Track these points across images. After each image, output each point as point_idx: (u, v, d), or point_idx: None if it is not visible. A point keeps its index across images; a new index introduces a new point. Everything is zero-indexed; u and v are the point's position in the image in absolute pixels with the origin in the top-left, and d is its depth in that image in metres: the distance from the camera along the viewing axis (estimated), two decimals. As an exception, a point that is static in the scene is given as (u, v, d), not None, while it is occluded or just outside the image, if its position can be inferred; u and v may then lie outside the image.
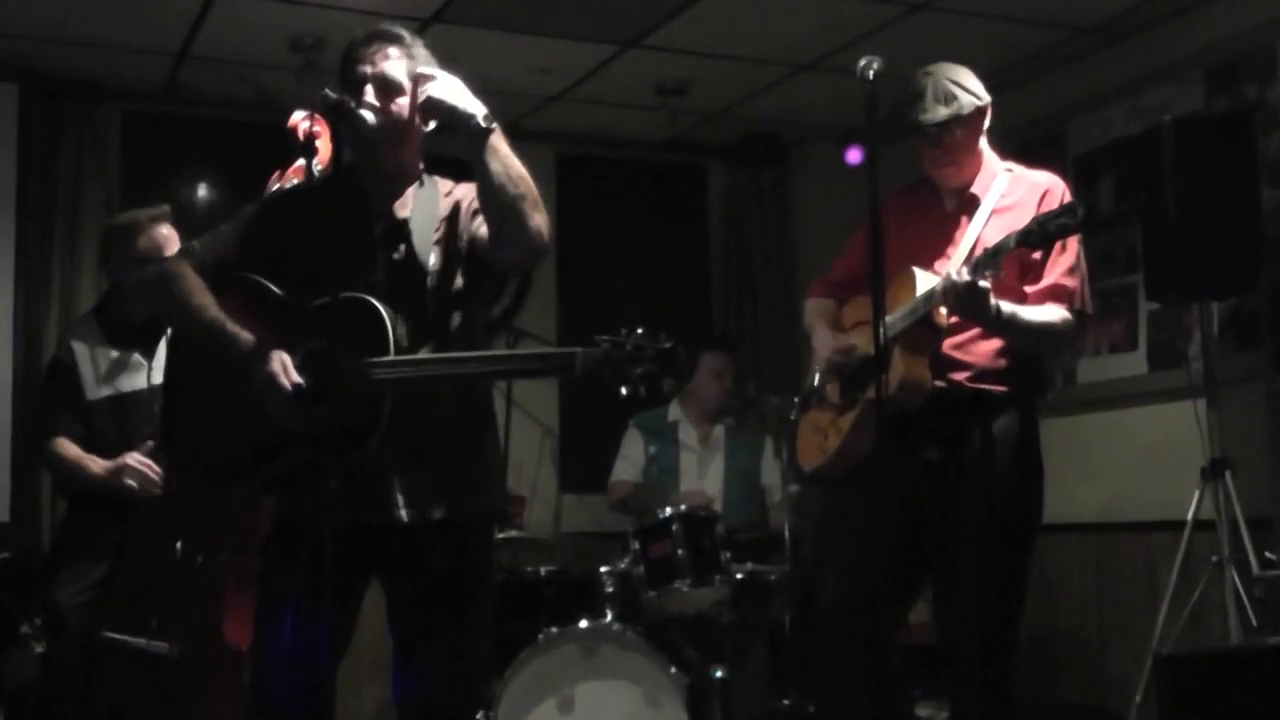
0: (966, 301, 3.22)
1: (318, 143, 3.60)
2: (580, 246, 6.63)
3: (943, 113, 3.38)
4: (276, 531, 2.91)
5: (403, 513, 2.80)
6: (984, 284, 3.20)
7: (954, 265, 3.32)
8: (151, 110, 5.95)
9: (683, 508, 4.83)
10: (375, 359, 2.69)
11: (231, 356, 2.78)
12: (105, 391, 4.14)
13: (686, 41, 5.53)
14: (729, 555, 4.74)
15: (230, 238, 2.95)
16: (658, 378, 2.67)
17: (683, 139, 6.69)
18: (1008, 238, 3.19)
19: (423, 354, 2.80)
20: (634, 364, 2.63)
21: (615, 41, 5.54)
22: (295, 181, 3.57)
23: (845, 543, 3.51)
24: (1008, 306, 3.29)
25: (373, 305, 2.74)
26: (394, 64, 2.88)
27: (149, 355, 4.17)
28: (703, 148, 6.89)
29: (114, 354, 4.17)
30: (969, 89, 3.43)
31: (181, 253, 2.97)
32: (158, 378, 4.06)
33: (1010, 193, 3.46)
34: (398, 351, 2.72)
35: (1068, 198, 3.43)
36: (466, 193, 2.95)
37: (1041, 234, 3.14)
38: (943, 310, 3.31)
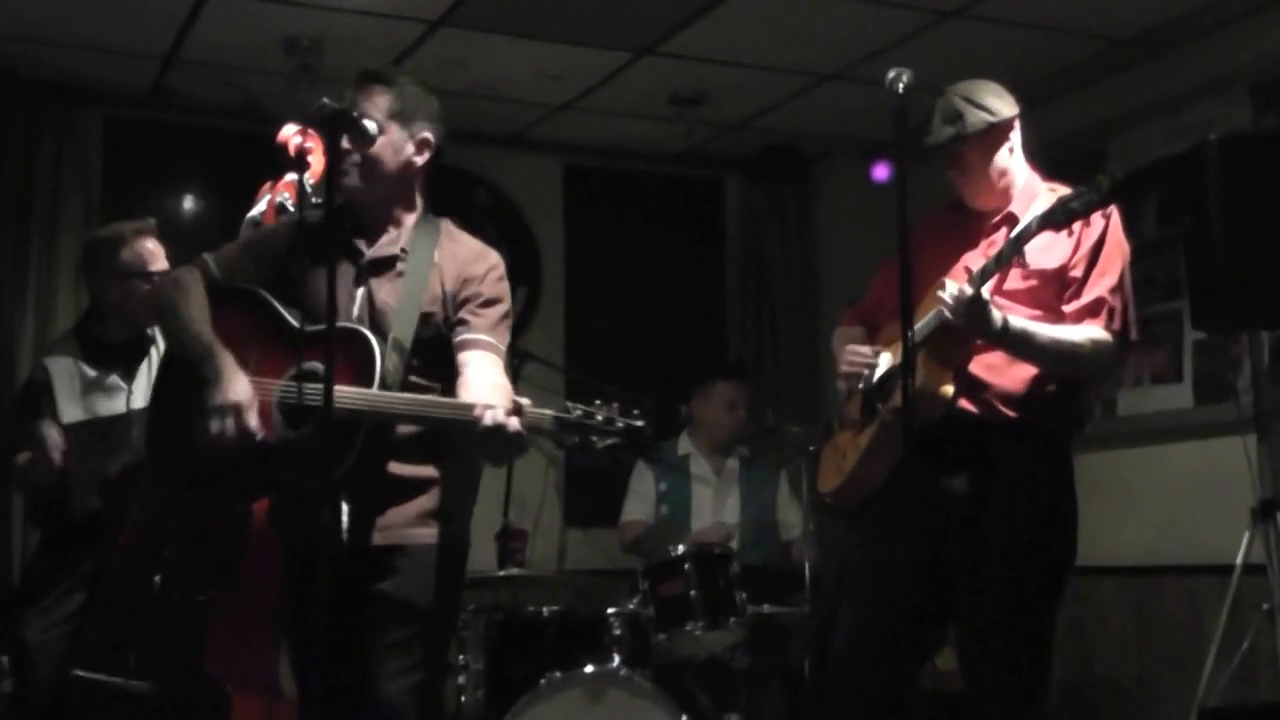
0: (965, 310, 3.22)
1: (309, 158, 3.65)
2: (589, 264, 6.66)
3: (946, 133, 3.39)
4: (287, 562, 3.06)
5: (345, 538, 2.89)
6: (982, 300, 3.20)
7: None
8: (136, 115, 5.94)
9: (697, 546, 4.80)
10: (349, 390, 2.82)
11: (203, 374, 2.92)
12: (80, 415, 4.15)
13: (703, 49, 5.53)
14: (744, 596, 4.72)
15: (242, 254, 3.13)
16: (621, 453, 2.79)
17: (698, 151, 6.68)
18: (1029, 222, 3.19)
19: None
20: (602, 436, 2.74)
21: (628, 48, 5.54)
22: (285, 195, 3.66)
23: (862, 577, 3.51)
24: (1018, 321, 3.28)
25: (366, 338, 2.90)
26: (371, 104, 3.02)
27: (129, 378, 4.19)
28: (719, 161, 6.89)
29: (92, 375, 4.18)
30: (981, 105, 3.41)
31: (193, 263, 3.12)
32: (139, 401, 4.13)
33: None
34: (383, 386, 2.87)
35: (1114, 216, 3.42)
36: (486, 278, 3.06)
37: (1065, 211, 3.14)
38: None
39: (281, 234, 3.19)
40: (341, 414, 2.75)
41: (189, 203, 5.84)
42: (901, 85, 2.99)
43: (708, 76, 5.82)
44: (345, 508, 2.89)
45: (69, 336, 4.36)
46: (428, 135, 3.09)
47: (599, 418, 2.76)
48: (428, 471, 3.01)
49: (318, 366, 2.80)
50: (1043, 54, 5.49)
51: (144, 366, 4.23)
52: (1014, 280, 3.37)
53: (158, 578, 3.84)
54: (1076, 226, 3.35)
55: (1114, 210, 3.44)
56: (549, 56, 5.58)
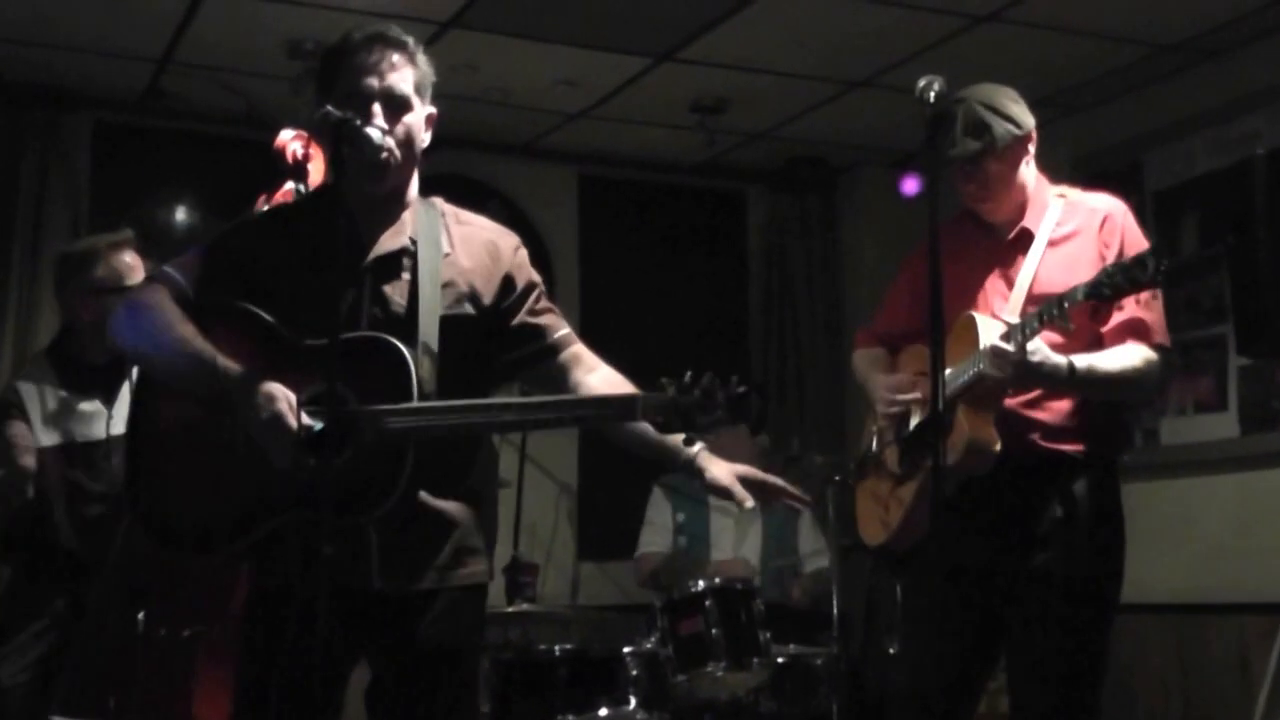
0: (1019, 373, 3.19)
1: (310, 166, 3.64)
2: (604, 280, 6.67)
3: (972, 146, 3.35)
4: (258, 600, 2.87)
5: (376, 580, 2.78)
6: (1035, 359, 3.18)
7: (1011, 311, 3.31)
8: (127, 121, 5.93)
9: (717, 580, 4.78)
10: (394, 406, 2.66)
11: (218, 396, 2.71)
12: (54, 439, 4.06)
13: (726, 55, 5.52)
14: (769, 635, 4.68)
15: (205, 263, 2.88)
16: (727, 426, 2.68)
17: (720, 162, 6.69)
18: (1074, 290, 3.14)
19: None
20: (703, 412, 2.61)
21: (648, 53, 5.54)
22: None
23: (915, 626, 3.52)
24: (1082, 360, 3.25)
25: (393, 345, 2.71)
26: (400, 75, 2.83)
27: (109, 402, 4.10)
28: (742, 171, 6.91)
29: (68, 399, 4.10)
30: (1007, 116, 3.39)
31: (154, 278, 2.88)
32: (119, 427, 3.99)
33: (1065, 221, 3.43)
34: (421, 397, 2.69)
35: (1130, 224, 3.41)
36: (521, 266, 2.95)
37: (1111, 286, 3.09)
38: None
39: (254, 233, 2.93)
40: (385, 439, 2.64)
41: (183, 214, 5.79)
42: (933, 94, 2.96)
43: (730, 83, 5.81)
44: (375, 544, 2.76)
45: (41, 358, 4.27)
46: (433, 110, 2.91)
47: (697, 392, 2.61)
48: (459, 502, 2.87)
49: (336, 388, 2.60)
50: (1080, 60, 5.48)
51: (125, 389, 4.09)
52: (1035, 304, 3.34)
53: (140, 615, 3.75)
54: (1094, 240, 3.36)
55: (1128, 213, 3.43)
56: (564, 61, 5.57)
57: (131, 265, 4.12)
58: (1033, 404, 3.35)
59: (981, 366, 3.21)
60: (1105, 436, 3.41)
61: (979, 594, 3.35)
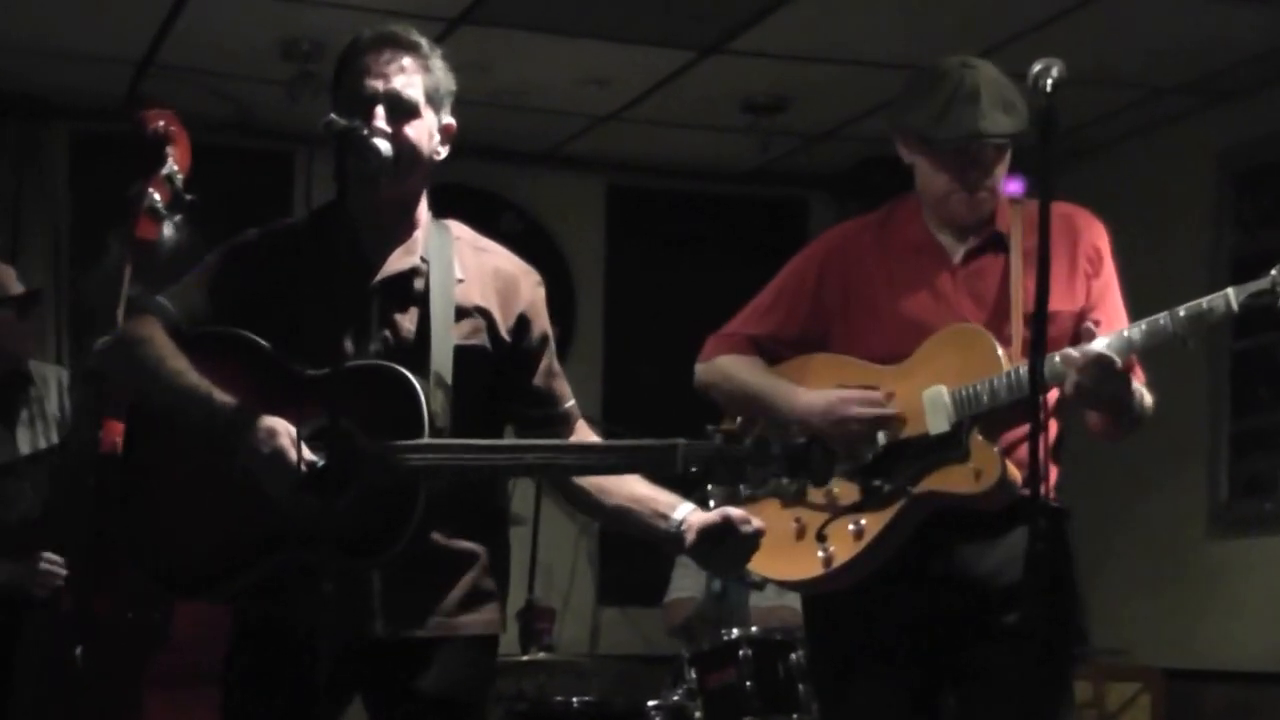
0: (1120, 391, 3.06)
1: (169, 148, 3.76)
2: (633, 301, 6.69)
3: (1005, 123, 3.21)
4: (244, 642, 2.93)
5: (379, 625, 2.81)
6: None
7: (1014, 325, 3.25)
8: (107, 131, 5.94)
9: (754, 629, 4.84)
10: (409, 442, 2.70)
11: (215, 431, 2.75)
12: None
13: (784, 44, 5.48)
14: (807, 688, 4.65)
15: (199, 290, 2.94)
16: (782, 479, 2.71)
17: (775, 167, 6.67)
18: (1224, 302, 2.95)
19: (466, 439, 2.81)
20: (755, 464, 2.59)
21: (691, 46, 5.52)
22: (156, 196, 3.79)
23: (870, 677, 3.35)
24: (1138, 386, 3.17)
25: (401, 375, 2.75)
26: (408, 79, 2.86)
27: (8, 423, 4.17)
28: (803, 178, 6.92)
29: None
30: (1021, 97, 3.24)
31: (147, 309, 2.95)
32: (25, 446, 4.16)
33: (1032, 231, 3.22)
34: (433, 432, 2.73)
35: (1105, 236, 3.36)
36: (539, 311, 2.98)
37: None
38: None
39: (253, 256, 2.97)
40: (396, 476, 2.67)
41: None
42: (1050, 80, 2.75)
43: (790, 77, 5.80)
44: (378, 585, 2.79)
45: None
46: (451, 121, 2.94)
47: (748, 441, 2.61)
48: (472, 545, 2.90)
49: (339, 421, 2.63)
50: (1224, 38, 5.24)
51: (24, 408, 4.23)
52: (1019, 323, 3.25)
53: (79, 650, 3.77)
54: (1073, 251, 3.29)
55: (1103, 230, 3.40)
56: (592, 58, 5.58)
57: (5, 272, 4.27)
58: (1022, 439, 3.18)
59: (1079, 380, 3.04)
60: (1054, 484, 3.30)
61: (926, 647, 3.25)
